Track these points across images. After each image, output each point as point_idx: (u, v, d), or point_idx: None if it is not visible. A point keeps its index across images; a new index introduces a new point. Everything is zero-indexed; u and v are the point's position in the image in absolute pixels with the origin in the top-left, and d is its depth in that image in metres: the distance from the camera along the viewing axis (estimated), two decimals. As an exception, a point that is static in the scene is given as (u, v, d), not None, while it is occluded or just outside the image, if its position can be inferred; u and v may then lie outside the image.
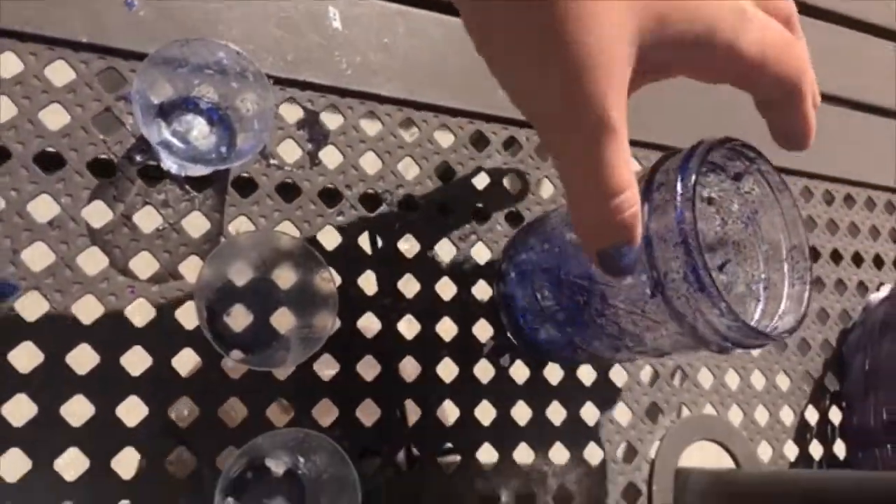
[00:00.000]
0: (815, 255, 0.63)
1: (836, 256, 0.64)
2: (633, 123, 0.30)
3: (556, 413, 0.49)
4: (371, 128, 0.50)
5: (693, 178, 0.36)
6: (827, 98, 0.67)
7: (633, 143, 0.44)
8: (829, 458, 0.58)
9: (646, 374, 0.53)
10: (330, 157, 0.48)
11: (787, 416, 0.57)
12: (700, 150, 0.37)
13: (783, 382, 0.58)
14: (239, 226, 0.45)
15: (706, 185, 0.44)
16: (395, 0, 0.53)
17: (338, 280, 0.45)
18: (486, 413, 0.48)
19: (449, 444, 0.46)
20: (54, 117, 0.43)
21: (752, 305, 0.42)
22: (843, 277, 0.63)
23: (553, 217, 0.46)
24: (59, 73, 0.43)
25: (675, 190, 0.36)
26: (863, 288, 0.64)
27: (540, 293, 0.45)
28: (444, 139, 0.52)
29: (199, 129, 0.45)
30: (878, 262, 0.66)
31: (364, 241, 0.48)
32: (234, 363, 0.41)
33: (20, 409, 0.38)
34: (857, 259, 0.65)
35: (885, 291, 0.63)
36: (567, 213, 0.44)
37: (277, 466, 0.42)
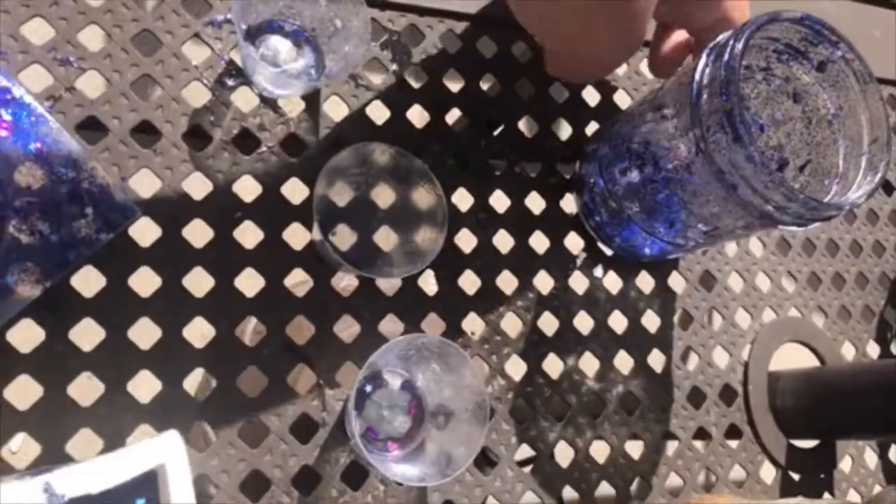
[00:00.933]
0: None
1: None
2: None
3: (650, 321, 0.50)
4: (451, 46, 0.49)
5: (752, 29, 0.37)
6: None
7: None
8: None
9: (732, 281, 0.53)
10: (414, 76, 0.48)
11: (867, 316, 0.58)
12: (769, 14, 0.38)
13: (860, 283, 0.58)
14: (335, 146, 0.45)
15: (791, 79, 0.44)
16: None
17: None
18: (583, 322, 0.48)
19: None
20: (143, 45, 0.42)
21: (822, 198, 0.42)
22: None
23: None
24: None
25: (728, 42, 0.37)
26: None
27: (611, 182, 0.46)
28: (521, 52, 0.51)
29: (286, 52, 0.45)
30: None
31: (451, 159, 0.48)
32: (346, 279, 0.41)
33: (145, 333, 0.39)
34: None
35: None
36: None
37: (394, 378, 0.42)
